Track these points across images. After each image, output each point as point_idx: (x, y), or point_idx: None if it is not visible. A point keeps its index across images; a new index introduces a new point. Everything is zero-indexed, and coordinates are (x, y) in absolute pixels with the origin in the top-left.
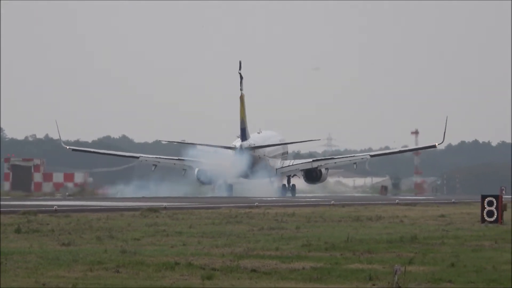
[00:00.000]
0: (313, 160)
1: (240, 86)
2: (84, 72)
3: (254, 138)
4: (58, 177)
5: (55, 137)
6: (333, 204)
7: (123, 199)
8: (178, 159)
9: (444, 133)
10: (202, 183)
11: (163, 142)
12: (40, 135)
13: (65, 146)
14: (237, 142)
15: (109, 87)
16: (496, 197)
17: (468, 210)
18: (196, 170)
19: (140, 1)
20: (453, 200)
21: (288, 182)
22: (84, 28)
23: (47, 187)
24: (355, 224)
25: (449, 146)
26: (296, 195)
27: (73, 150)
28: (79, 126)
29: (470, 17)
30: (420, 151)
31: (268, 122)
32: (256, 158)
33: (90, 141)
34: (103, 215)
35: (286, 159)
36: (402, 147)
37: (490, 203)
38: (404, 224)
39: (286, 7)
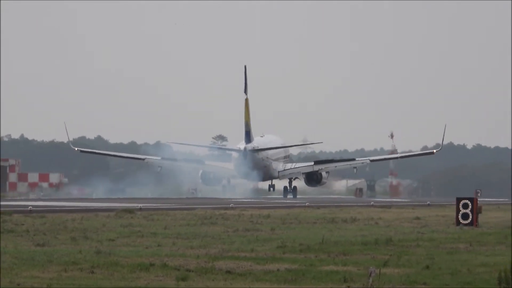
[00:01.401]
0: (315, 164)
1: (245, 90)
2: (61, 73)
3: (258, 141)
4: (33, 177)
5: (30, 137)
6: (308, 206)
7: (98, 200)
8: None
9: (443, 140)
10: (206, 184)
11: (168, 143)
12: (16, 135)
13: (74, 148)
14: (241, 145)
15: (86, 87)
16: (471, 199)
17: (443, 212)
18: (200, 171)
19: (137, 1)
20: (428, 203)
21: (290, 184)
22: (70, 28)
23: (22, 187)
24: (330, 226)
25: (425, 148)
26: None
27: (81, 151)
28: (55, 126)
29: (457, 19)
30: (395, 153)
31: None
32: (259, 161)
33: (65, 141)
34: (78, 216)
35: (287, 162)
36: (380, 149)
37: (465, 206)
38: (379, 226)
39: (275, 7)
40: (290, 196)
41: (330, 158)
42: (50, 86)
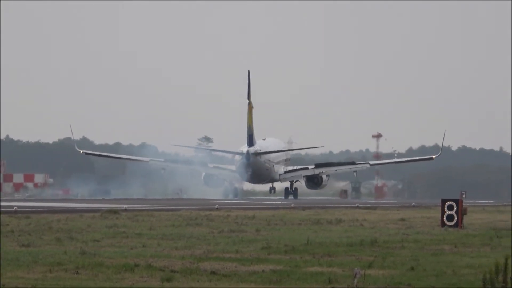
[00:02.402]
0: (315, 167)
1: (248, 95)
2: (47, 73)
3: (260, 145)
4: (18, 178)
5: (16, 138)
6: (293, 207)
7: (83, 201)
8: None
9: (442, 146)
10: (209, 186)
11: (174, 145)
12: (1, 136)
13: (79, 150)
14: (244, 148)
15: (73, 88)
16: (456, 201)
17: (428, 214)
18: (203, 174)
19: (136, 1)
20: (413, 204)
21: (291, 186)
22: (59, 28)
23: (7, 187)
24: (315, 227)
25: (410, 150)
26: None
27: (86, 153)
28: (39, 127)
29: (441, 20)
30: (380, 154)
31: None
32: (261, 164)
33: (50, 142)
34: (63, 216)
35: (288, 165)
36: (365, 150)
37: (450, 207)
38: (364, 228)
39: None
40: (291, 197)
41: (318, 160)
42: (36, 87)
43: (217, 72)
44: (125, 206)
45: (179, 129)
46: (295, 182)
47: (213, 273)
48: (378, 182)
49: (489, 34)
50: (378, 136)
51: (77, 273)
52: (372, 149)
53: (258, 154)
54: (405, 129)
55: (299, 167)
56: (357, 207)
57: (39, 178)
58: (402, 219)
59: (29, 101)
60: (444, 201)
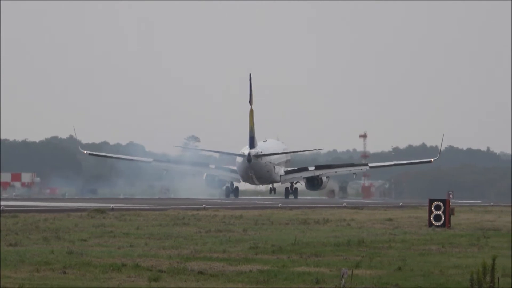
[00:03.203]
0: (315, 169)
1: (250, 99)
2: (33, 72)
3: (261, 146)
4: (5, 177)
5: (3, 137)
6: (280, 207)
7: (71, 200)
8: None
9: (440, 149)
10: (210, 187)
11: (177, 147)
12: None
13: (82, 151)
14: (245, 150)
15: (60, 87)
16: (444, 201)
17: (416, 214)
18: (205, 175)
19: (135, 1)
20: (400, 204)
21: (291, 187)
22: (48, 27)
23: None
24: (303, 227)
25: (397, 149)
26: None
27: (90, 154)
28: (27, 125)
29: (431, 19)
30: (368, 154)
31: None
32: (262, 165)
33: (37, 141)
34: (50, 216)
35: (289, 166)
36: (352, 150)
37: (437, 207)
38: (351, 228)
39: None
40: (291, 197)
41: (307, 161)
42: (23, 86)
43: (210, 72)
44: (112, 205)
45: (166, 128)
46: (295, 183)
47: (200, 273)
48: (365, 182)
49: (488, 34)
50: (365, 136)
51: (64, 272)
52: (359, 149)
53: (259, 156)
54: (392, 128)
55: (299, 168)
56: (345, 207)
57: (26, 177)
58: (390, 219)
59: (16, 100)
60: (431, 201)
